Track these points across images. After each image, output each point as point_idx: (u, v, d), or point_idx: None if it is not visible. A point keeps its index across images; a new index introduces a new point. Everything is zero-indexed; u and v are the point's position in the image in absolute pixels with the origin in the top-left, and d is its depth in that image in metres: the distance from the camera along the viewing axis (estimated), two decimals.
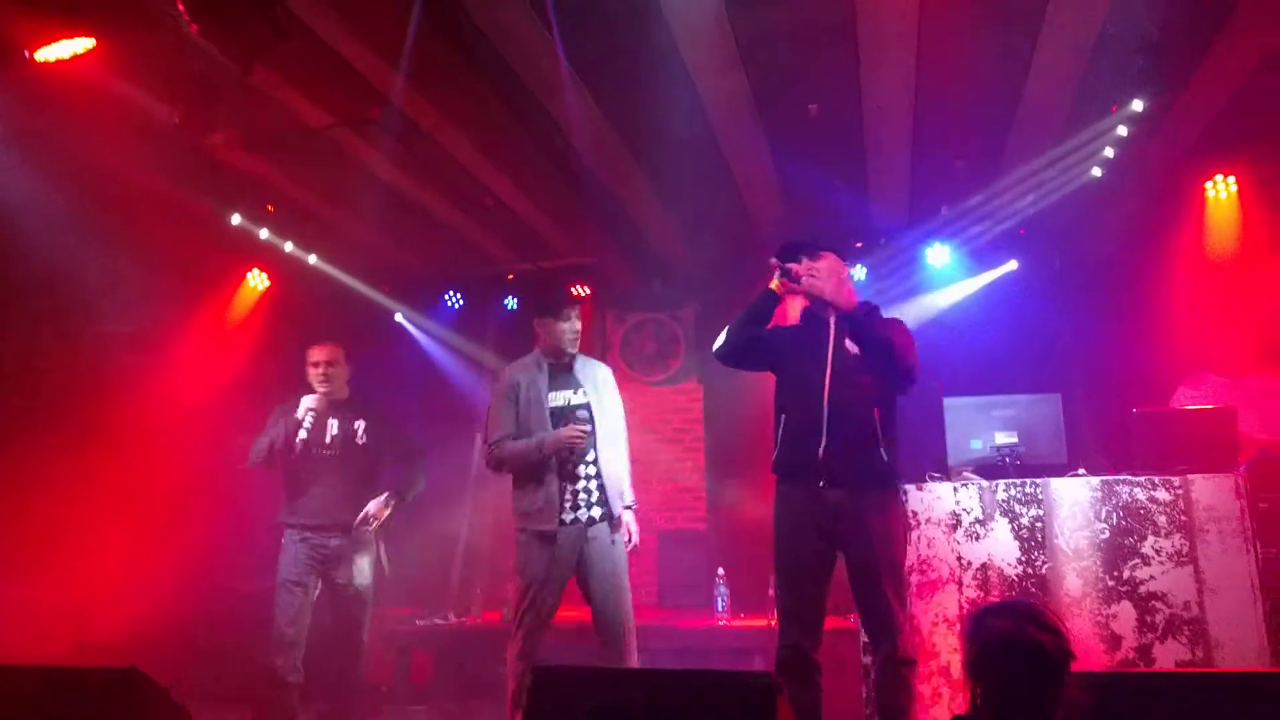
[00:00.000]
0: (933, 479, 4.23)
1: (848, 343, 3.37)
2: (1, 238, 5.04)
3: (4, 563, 5.00)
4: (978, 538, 4.02)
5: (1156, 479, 3.89)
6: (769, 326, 3.53)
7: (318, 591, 4.30)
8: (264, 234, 6.20)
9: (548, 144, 5.33)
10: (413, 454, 4.57)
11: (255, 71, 4.05)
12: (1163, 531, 3.82)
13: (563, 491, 3.89)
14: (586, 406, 4.00)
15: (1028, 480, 4.04)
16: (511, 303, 7.71)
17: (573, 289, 7.63)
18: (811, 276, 3.34)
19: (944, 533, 4.07)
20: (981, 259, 6.72)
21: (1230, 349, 4.90)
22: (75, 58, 3.82)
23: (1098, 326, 6.25)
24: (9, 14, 3.76)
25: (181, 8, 3.45)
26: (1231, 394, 4.68)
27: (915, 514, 4.12)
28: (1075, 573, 3.87)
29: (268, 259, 6.85)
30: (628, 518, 4.02)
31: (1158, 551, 3.81)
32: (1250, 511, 3.79)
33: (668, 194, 6.18)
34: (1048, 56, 4.66)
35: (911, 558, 4.06)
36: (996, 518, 4.02)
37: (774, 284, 3.41)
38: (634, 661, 3.93)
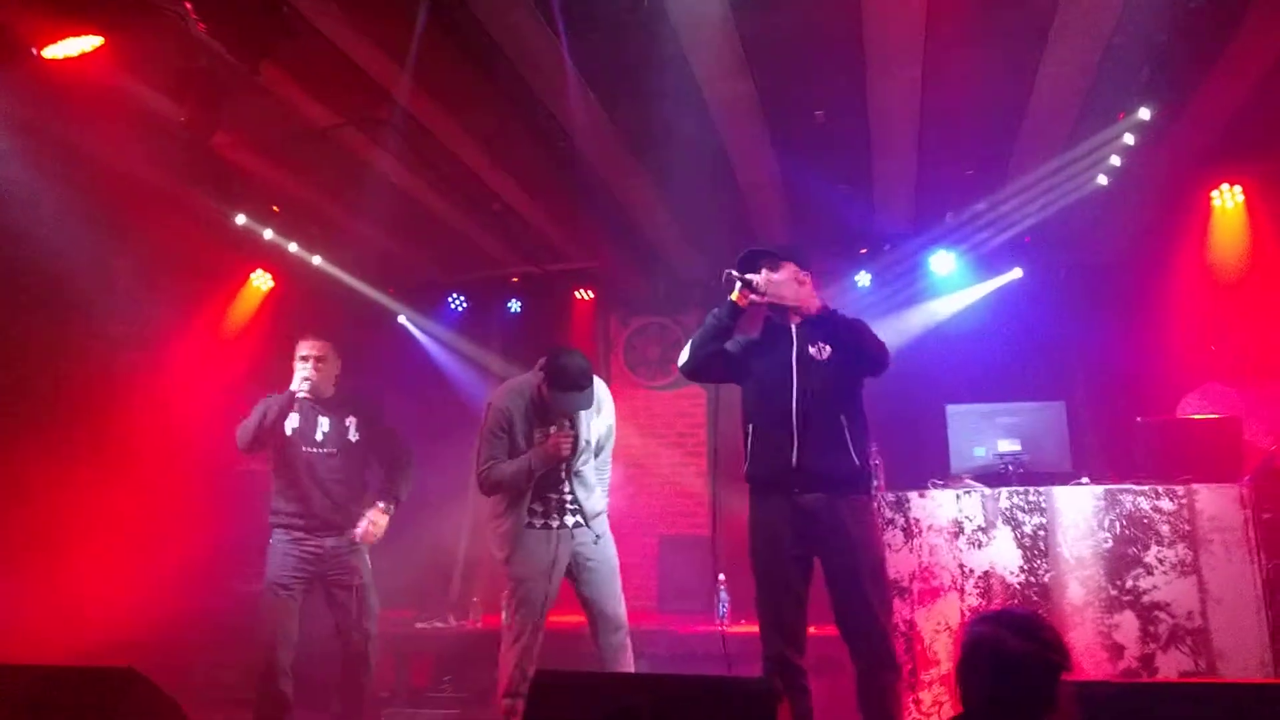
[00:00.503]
0: (935, 486, 4.21)
1: (811, 348, 3.37)
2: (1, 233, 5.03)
3: (1, 564, 4.99)
4: (980, 545, 4.01)
5: (1160, 488, 3.87)
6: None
7: (303, 597, 4.17)
8: (268, 234, 6.21)
9: (553, 147, 5.33)
10: (401, 454, 4.44)
11: (262, 70, 4.06)
12: (1166, 541, 3.80)
13: (541, 498, 3.86)
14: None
15: (1031, 488, 4.03)
16: (515, 306, 7.71)
17: (576, 292, 7.63)
18: (774, 286, 3.35)
19: (946, 540, 4.05)
20: (986, 266, 6.71)
21: (1235, 358, 4.88)
22: (83, 56, 3.82)
23: (1102, 335, 6.23)
24: (16, 11, 3.77)
25: (189, 6, 3.46)
26: (1236, 403, 4.66)
27: (917, 521, 4.10)
28: (1078, 581, 3.85)
29: (272, 259, 6.85)
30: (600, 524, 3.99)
31: (1161, 561, 3.79)
32: (1254, 522, 3.77)
33: (672, 198, 6.18)
34: (1054, 66, 4.66)
35: (913, 565, 4.06)
36: (999, 525, 4.01)
37: (735, 296, 3.35)
38: (630, 661, 3.93)
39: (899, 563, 4.05)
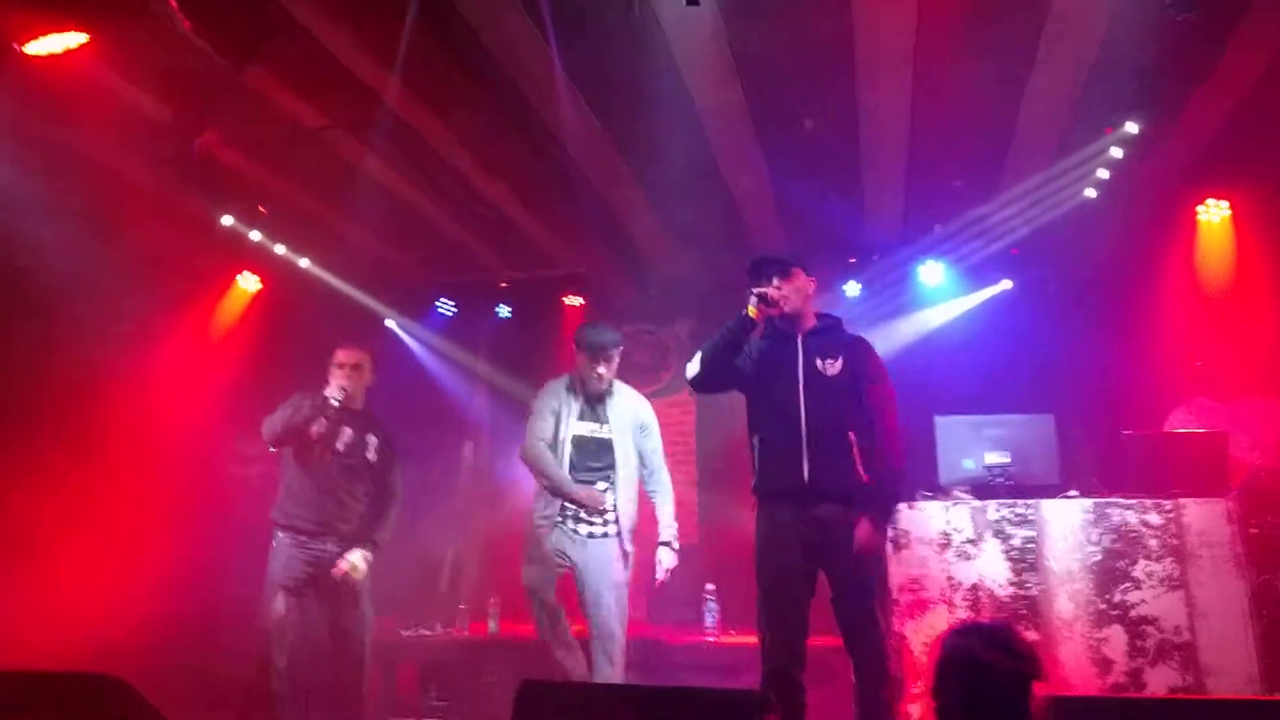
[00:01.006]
0: (924, 498, 4.20)
1: (819, 361, 3.35)
2: None
3: None
4: (968, 558, 3.99)
5: (1148, 502, 3.87)
6: None
7: (301, 600, 4.19)
8: (255, 236, 6.15)
9: (543, 152, 5.30)
10: (395, 492, 4.47)
11: (249, 70, 4.02)
12: (1154, 555, 3.80)
13: (566, 506, 4.13)
14: (610, 444, 4.19)
15: (1019, 501, 4.02)
16: (504, 311, 7.65)
17: (565, 298, 7.59)
18: (787, 298, 3.36)
19: (935, 552, 4.04)
20: (975, 277, 6.71)
21: (1223, 372, 4.90)
22: (67, 52, 3.77)
23: (1091, 347, 6.24)
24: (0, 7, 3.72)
25: (175, 4, 3.41)
26: (1223, 418, 4.67)
27: (906, 533, 4.09)
28: (1067, 595, 3.85)
29: (259, 261, 6.79)
30: (664, 554, 4.16)
31: (1149, 575, 3.79)
32: (1241, 537, 3.78)
33: (663, 205, 6.16)
34: (1043, 80, 4.68)
35: (902, 577, 4.04)
36: (988, 538, 4.00)
37: (751, 310, 3.34)
38: (618, 675, 3.96)
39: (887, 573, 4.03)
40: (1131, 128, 5.07)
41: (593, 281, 7.52)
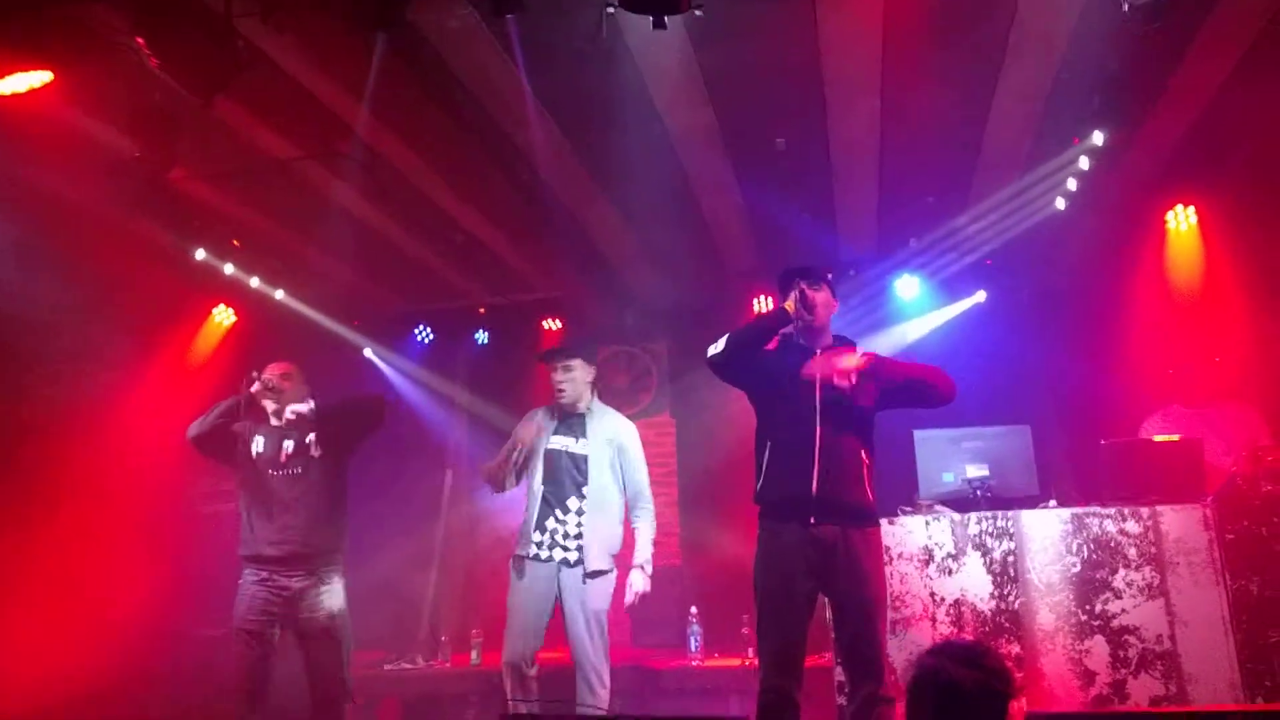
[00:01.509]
0: (904, 513, 4.20)
1: (836, 378, 3.35)
2: None
3: None
4: (950, 572, 3.99)
5: (1126, 511, 3.89)
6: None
7: (277, 637, 4.00)
8: (229, 269, 6.11)
9: (516, 177, 5.32)
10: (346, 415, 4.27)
11: (218, 104, 4.01)
12: (1133, 564, 3.81)
13: (540, 527, 4.10)
14: (584, 459, 4.17)
15: (999, 513, 4.03)
16: (483, 337, 7.63)
17: (544, 322, 7.58)
18: (821, 308, 3.41)
19: (917, 568, 4.03)
20: (950, 290, 6.76)
21: (1195, 379, 4.93)
22: (31, 91, 3.75)
23: (1066, 356, 6.28)
24: None
25: (141, 41, 3.40)
26: (1197, 424, 4.71)
27: (888, 549, 4.08)
28: (1048, 607, 3.85)
29: (233, 294, 6.75)
30: (635, 578, 4.12)
31: (1129, 585, 3.79)
32: (1219, 543, 3.80)
33: (638, 227, 6.18)
34: (1008, 94, 4.74)
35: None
36: (969, 552, 4.00)
37: (790, 305, 3.38)
38: (603, 700, 3.95)
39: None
40: (1097, 139, 5.13)
41: (570, 305, 7.52)
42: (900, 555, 4.06)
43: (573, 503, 4.13)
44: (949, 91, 4.78)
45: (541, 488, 4.15)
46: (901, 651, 3.93)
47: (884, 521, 4.09)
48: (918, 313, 6.86)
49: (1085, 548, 3.87)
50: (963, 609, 3.93)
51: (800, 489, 3.23)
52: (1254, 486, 3.97)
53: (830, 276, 3.55)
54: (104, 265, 5.58)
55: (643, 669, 5.30)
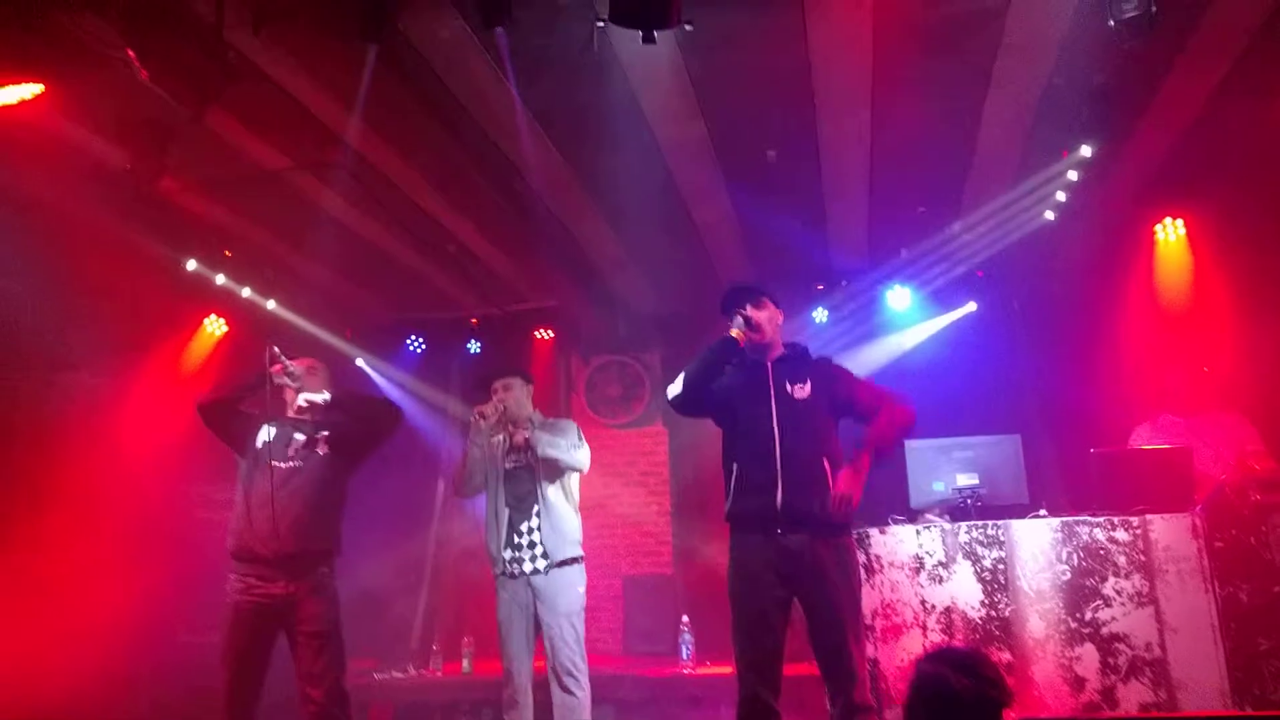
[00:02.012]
0: (895, 522, 4.21)
1: (789, 386, 3.38)
2: None
3: None
4: (941, 581, 4.00)
5: (1115, 519, 3.90)
6: None
7: (267, 644, 3.79)
8: (220, 279, 6.12)
9: (508, 188, 5.34)
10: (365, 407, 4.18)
11: (209, 115, 4.02)
12: (1123, 572, 3.83)
13: (509, 540, 4.14)
14: (531, 468, 4.21)
15: (989, 522, 4.04)
16: (474, 347, 7.64)
17: (536, 332, 7.60)
18: (770, 324, 3.44)
19: (907, 576, 4.04)
20: (941, 301, 6.79)
21: (1185, 388, 4.96)
22: (22, 103, 3.75)
23: (1056, 366, 6.32)
24: None
25: (131, 53, 3.41)
26: (1186, 433, 4.73)
27: (879, 558, 4.09)
28: (1038, 615, 3.86)
29: (225, 304, 6.74)
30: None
31: (1119, 592, 3.81)
32: (1208, 551, 3.81)
33: (629, 237, 6.20)
34: (998, 106, 4.77)
35: (875, 602, 4.04)
36: (959, 560, 4.00)
37: (736, 332, 3.40)
38: (584, 704, 3.99)
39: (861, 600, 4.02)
40: (1086, 151, 5.17)
41: (563, 315, 7.54)
42: (891, 564, 4.07)
43: (535, 509, 4.17)
44: (939, 103, 4.82)
45: (505, 507, 4.18)
46: (893, 659, 3.94)
47: (874, 530, 4.13)
48: (909, 323, 6.89)
49: (1075, 555, 3.88)
50: (953, 617, 3.94)
51: (765, 501, 3.25)
52: (1242, 495, 3.99)
53: (768, 289, 3.54)
54: (95, 275, 5.58)
55: (634, 677, 5.30)
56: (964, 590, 3.96)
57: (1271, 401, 5.01)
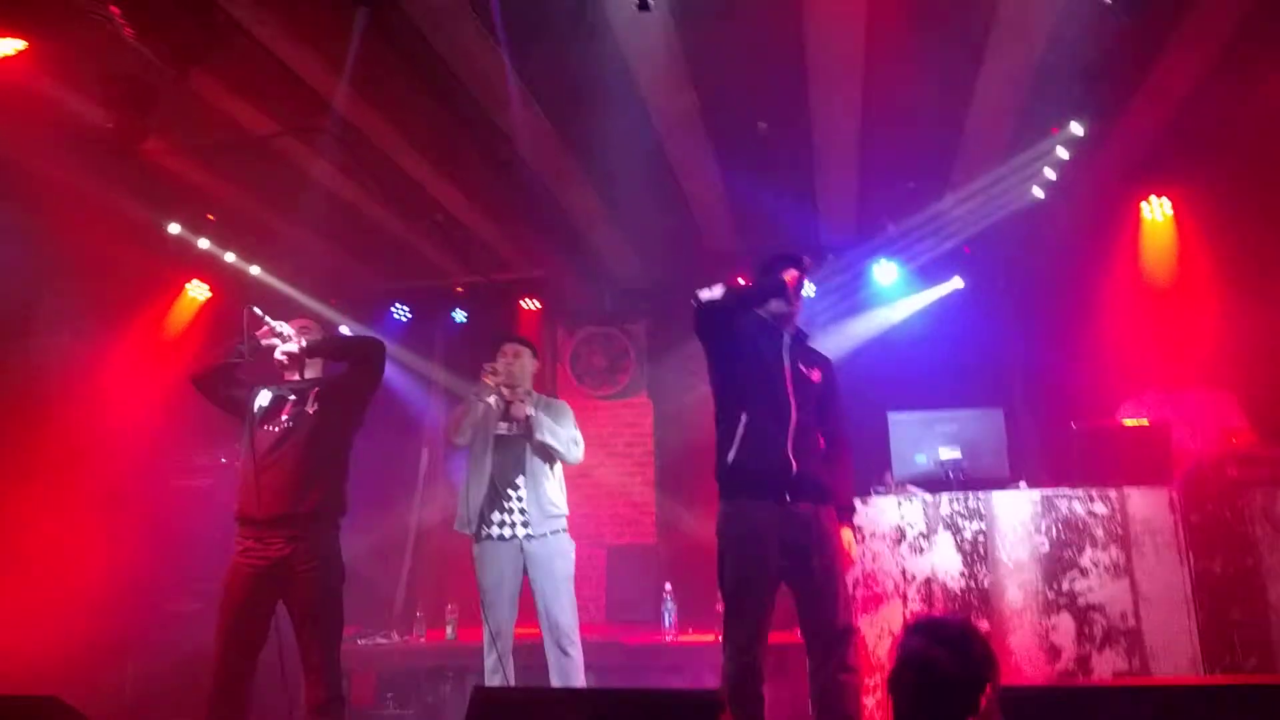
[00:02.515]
0: (877, 493, 4.26)
1: (803, 366, 3.44)
2: None
3: None
4: (921, 551, 4.06)
5: (1094, 492, 3.96)
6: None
7: (265, 615, 3.62)
8: (204, 244, 6.05)
9: (496, 156, 5.30)
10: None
11: (195, 76, 3.97)
12: (1100, 544, 3.89)
13: (498, 505, 4.17)
14: (522, 437, 4.23)
15: (970, 494, 4.09)
16: (460, 316, 7.62)
17: (522, 302, 7.58)
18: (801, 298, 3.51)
19: (889, 547, 4.10)
20: (927, 276, 6.82)
21: (1168, 364, 5.03)
22: (3, 59, 3.68)
23: (1041, 343, 6.38)
24: None
25: (116, 10, 3.35)
26: (1168, 409, 4.79)
27: (860, 528, 4.13)
28: (1016, 585, 3.92)
29: (208, 269, 6.68)
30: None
31: (1095, 564, 3.87)
32: (1184, 524, 3.88)
33: (618, 208, 6.18)
34: (989, 82, 4.78)
35: (857, 572, 4.09)
36: (940, 531, 4.06)
37: (788, 277, 3.41)
38: (577, 676, 4.00)
39: None
40: (1076, 128, 5.19)
41: (549, 285, 7.52)
42: (873, 534, 4.12)
43: (518, 480, 4.20)
44: (931, 78, 4.81)
45: (493, 471, 4.20)
46: (873, 628, 4.00)
47: (856, 501, 4.16)
48: (895, 297, 6.92)
49: (1054, 528, 3.95)
50: (933, 587, 4.00)
51: (780, 466, 3.28)
52: (1219, 471, 4.06)
53: (809, 269, 3.60)
54: (77, 238, 5.52)
55: (617, 644, 5.36)
56: (944, 561, 4.02)
57: (1254, 378, 5.08)
